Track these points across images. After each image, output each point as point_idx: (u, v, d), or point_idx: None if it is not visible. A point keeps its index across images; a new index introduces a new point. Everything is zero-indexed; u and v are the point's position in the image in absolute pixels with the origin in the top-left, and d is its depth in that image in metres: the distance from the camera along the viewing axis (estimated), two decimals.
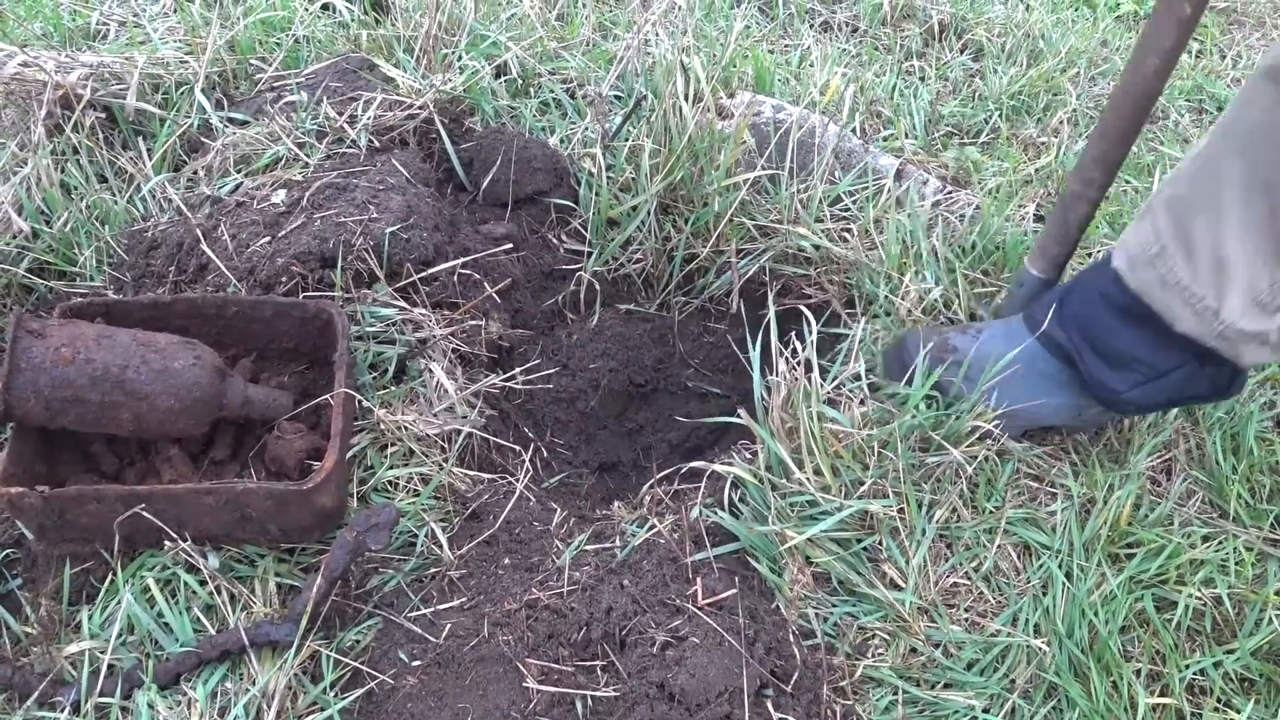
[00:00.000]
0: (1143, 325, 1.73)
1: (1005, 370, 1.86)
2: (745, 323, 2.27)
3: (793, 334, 1.90)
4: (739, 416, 1.79)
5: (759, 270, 2.32)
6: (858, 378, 1.95)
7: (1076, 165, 1.98)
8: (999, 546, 1.79)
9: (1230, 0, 4.15)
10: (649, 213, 2.24)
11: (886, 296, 2.19)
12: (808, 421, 1.73)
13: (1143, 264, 1.67)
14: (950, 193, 2.51)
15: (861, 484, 1.74)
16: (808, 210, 2.32)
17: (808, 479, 1.70)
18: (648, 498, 1.86)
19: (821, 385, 1.80)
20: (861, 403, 1.91)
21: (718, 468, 1.79)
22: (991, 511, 1.84)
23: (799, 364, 1.80)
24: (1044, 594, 1.75)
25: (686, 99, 2.20)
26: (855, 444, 1.77)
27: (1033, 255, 2.07)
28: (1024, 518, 1.85)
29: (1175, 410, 2.11)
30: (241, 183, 2.09)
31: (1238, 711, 1.67)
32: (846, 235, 2.33)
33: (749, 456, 1.88)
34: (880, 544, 1.74)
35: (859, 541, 1.74)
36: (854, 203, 2.42)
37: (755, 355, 1.82)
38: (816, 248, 2.29)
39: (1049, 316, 1.88)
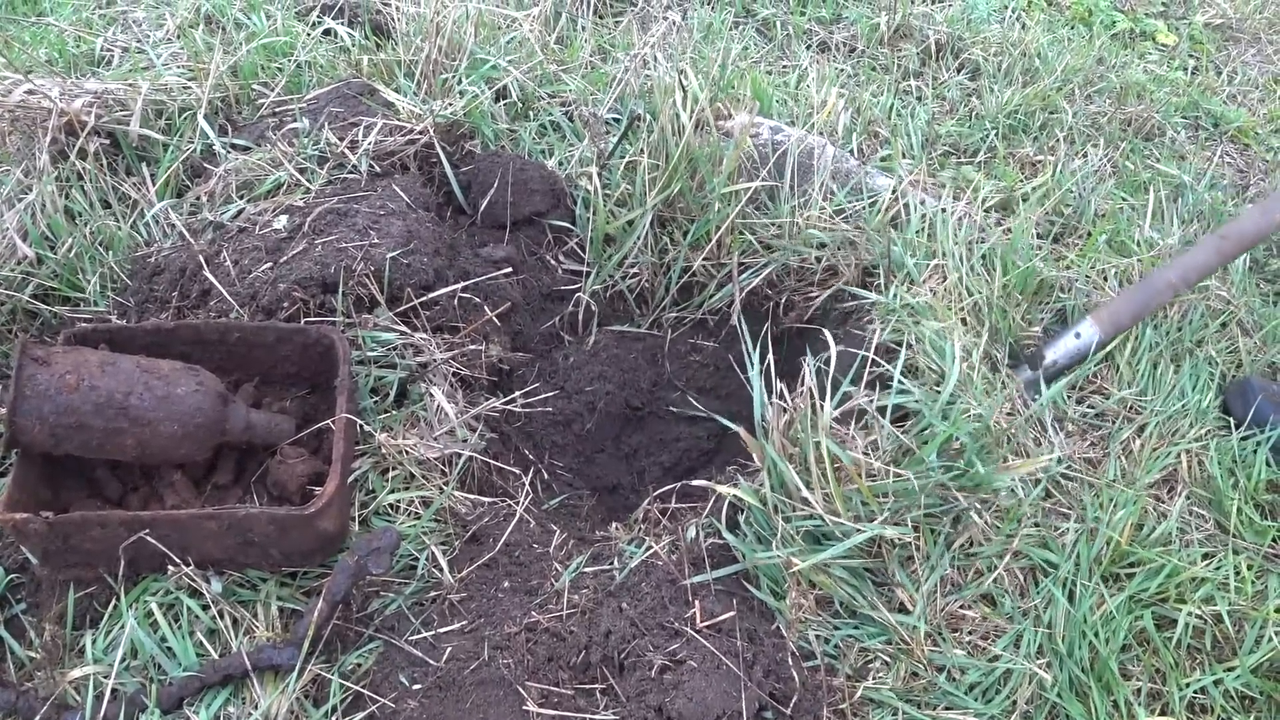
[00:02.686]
0: None
1: None
2: (745, 339, 2.27)
3: (803, 360, 1.88)
4: (739, 435, 1.80)
5: (762, 283, 2.33)
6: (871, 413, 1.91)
7: (1183, 269, 2.12)
8: (1007, 570, 1.79)
9: (1226, 17, 4.17)
10: (646, 226, 2.25)
11: (916, 265, 2.20)
12: (814, 450, 1.72)
13: None
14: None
15: (874, 515, 1.72)
16: (808, 222, 2.33)
17: (817, 501, 1.69)
18: (641, 514, 1.86)
19: (828, 410, 1.77)
20: (866, 427, 1.89)
21: (720, 489, 1.79)
22: (1007, 537, 1.83)
23: (807, 390, 1.79)
24: (1045, 613, 1.75)
25: (684, 108, 2.22)
26: (869, 478, 1.74)
27: (1099, 316, 2.14)
28: (1034, 540, 1.85)
29: (1187, 431, 2.13)
30: (244, 208, 2.11)
31: None
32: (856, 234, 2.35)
33: (749, 477, 1.88)
34: (888, 570, 1.73)
35: (866, 570, 1.73)
36: (853, 215, 2.43)
37: (757, 378, 1.82)
38: (821, 246, 2.31)
39: None
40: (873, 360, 1.93)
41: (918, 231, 2.29)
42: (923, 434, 1.82)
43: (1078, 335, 2.15)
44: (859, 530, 1.67)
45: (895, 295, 2.13)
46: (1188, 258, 2.13)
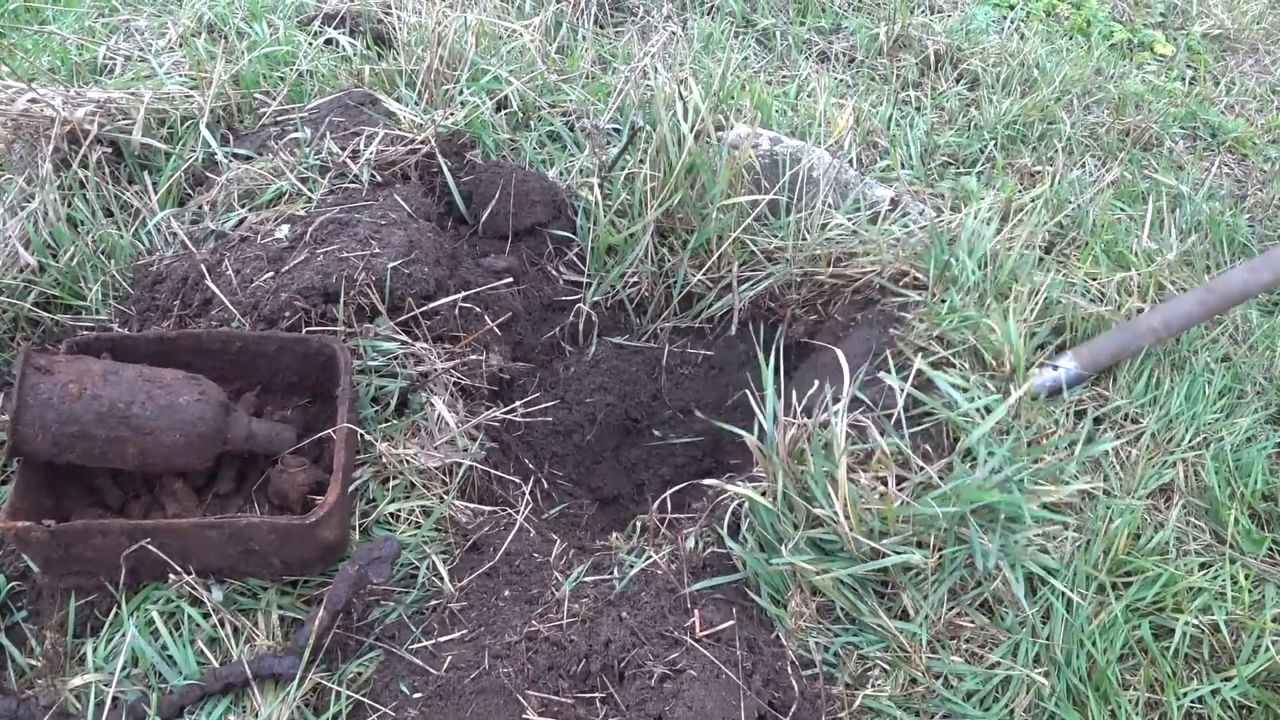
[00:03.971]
0: None
1: None
2: (753, 348, 2.28)
3: (821, 382, 1.87)
4: (737, 449, 1.80)
5: (763, 294, 2.33)
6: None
7: (1166, 317, 2.17)
8: (1005, 581, 1.79)
9: (1223, 28, 4.19)
10: (648, 240, 2.26)
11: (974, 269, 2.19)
12: (827, 477, 1.72)
13: None
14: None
15: (889, 534, 1.71)
16: (811, 234, 2.34)
17: (841, 522, 1.67)
18: (639, 524, 1.87)
19: (840, 433, 1.74)
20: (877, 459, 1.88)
21: (731, 488, 1.78)
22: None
23: (814, 415, 1.79)
24: (1044, 624, 1.75)
25: (684, 119, 2.23)
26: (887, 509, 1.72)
27: (1080, 352, 2.18)
28: (1035, 545, 1.86)
29: (1184, 438, 2.14)
30: (245, 217, 2.12)
31: None
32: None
33: (756, 482, 1.88)
34: (895, 581, 1.73)
35: (869, 580, 1.73)
36: (854, 229, 2.44)
37: (769, 391, 1.82)
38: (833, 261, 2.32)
39: None
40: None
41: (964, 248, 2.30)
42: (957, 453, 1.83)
43: (1055, 368, 2.18)
44: (882, 553, 1.67)
45: (948, 297, 2.15)
46: (1172, 306, 2.20)
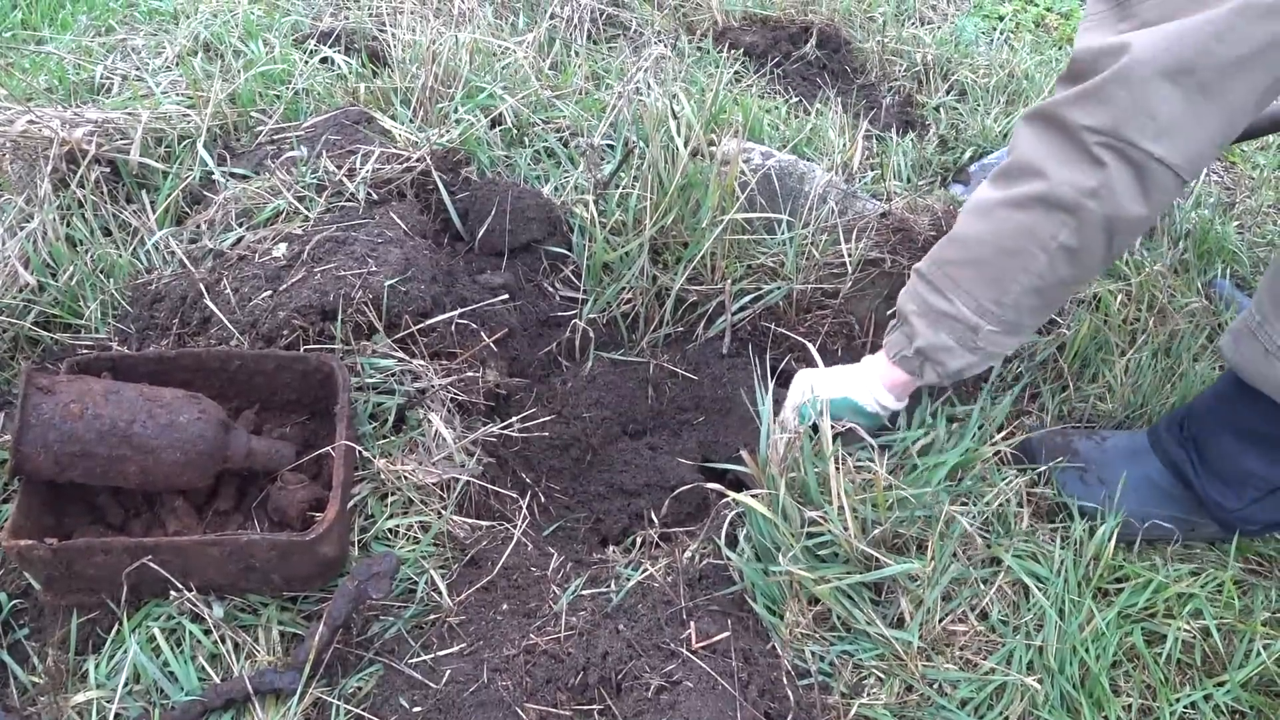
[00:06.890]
0: (1258, 443, 1.82)
1: (1122, 481, 1.96)
2: (750, 362, 2.30)
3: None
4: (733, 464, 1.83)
5: (763, 309, 2.35)
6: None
7: None
8: (998, 587, 1.81)
9: None
10: (644, 258, 2.28)
11: None
12: (816, 476, 1.76)
13: (1246, 337, 1.75)
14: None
15: (879, 524, 1.75)
16: (819, 251, 2.36)
17: (840, 522, 1.70)
18: (639, 539, 1.89)
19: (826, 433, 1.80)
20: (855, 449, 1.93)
21: (733, 496, 1.80)
22: (1000, 542, 1.86)
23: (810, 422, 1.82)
24: (1038, 631, 1.77)
25: (678, 134, 2.25)
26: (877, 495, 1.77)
27: None
28: (1027, 552, 1.87)
29: None
30: (243, 236, 2.13)
31: None
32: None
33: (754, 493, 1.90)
34: (893, 587, 1.75)
35: (865, 585, 1.75)
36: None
37: (766, 408, 1.85)
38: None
39: (1168, 434, 1.97)
40: None
41: None
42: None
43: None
44: (881, 562, 1.69)
45: None
46: None
